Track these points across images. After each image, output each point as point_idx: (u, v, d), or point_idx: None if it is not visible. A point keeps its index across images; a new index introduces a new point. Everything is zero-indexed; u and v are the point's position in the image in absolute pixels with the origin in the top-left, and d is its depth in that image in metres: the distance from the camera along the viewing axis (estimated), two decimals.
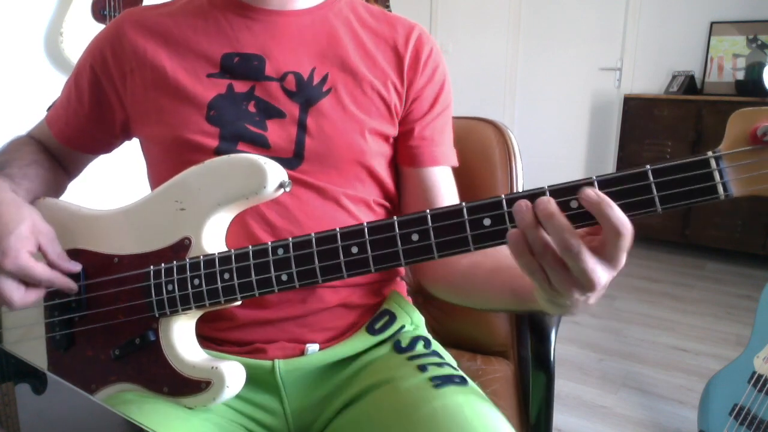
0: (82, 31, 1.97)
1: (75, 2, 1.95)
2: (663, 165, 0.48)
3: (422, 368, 0.69)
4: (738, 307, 2.62)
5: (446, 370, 0.69)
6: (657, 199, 0.49)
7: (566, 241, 0.47)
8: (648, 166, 0.49)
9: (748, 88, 3.08)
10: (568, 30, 3.86)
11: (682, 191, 0.48)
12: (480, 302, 0.73)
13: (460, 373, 0.71)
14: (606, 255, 0.48)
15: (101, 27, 2.11)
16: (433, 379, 0.67)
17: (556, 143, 4.01)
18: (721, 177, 0.48)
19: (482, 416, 0.62)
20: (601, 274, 0.48)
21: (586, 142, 3.93)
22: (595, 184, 0.50)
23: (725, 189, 0.48)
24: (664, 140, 3.22)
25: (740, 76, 3.25)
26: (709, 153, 0.48)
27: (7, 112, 1.85)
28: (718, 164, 0.48)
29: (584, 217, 0.49)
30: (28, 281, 0.65)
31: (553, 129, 4.02)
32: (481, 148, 0.99)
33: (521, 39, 4.04)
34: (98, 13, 2.00)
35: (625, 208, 0.48)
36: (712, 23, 3.35)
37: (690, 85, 3.31)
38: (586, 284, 0.48)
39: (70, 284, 0.68)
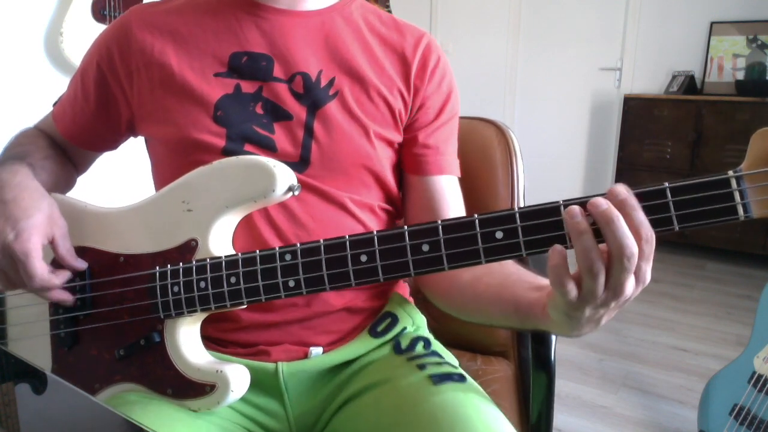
0: (82, 31, 1.97)
1: (75, 2, 1.95)
2: (682, 183, 0.47)
3: (421, 367, 0.69)
4: (738, 307, 2.62)
5: (445, 369, 0.69)
6: (675, 218, 0.48)
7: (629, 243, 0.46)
8: (666, 184, 0.48)
9: (748, 88, 3.08)
10: (568, 30, 3.86)
11: (700, 211, 0.47)
12: (479, 317, 0.72)
13: (460, 371, 0.71)
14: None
15: (101, 27, 2.11)
16: (432, 376, 0.67)
17: (556, 143, 4.01)
18: (742, 198, 0.46)
19: (481, 412, 0.62)
20: (632, 288, 0.48)
21: (586, 142, 3.93)
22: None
23: (745, 210, 0.46)
24: (664, 140, 3.22)
25: (740, 76, 3.25)
26: (730, 172, 0.47)
27: (7, 112, 1.85)
28: (739, 184, 0.46)
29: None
30: (23, 272, 0.63)
31: (553, 129, 4.02)
32: (481, 147, 0.99)
33: (521, 39, 4.04)
34: (98, 13, 2.00)
35: None
36: (712, 23, 3.35)
37: (690, 85, 3.31)
38: (617, 294, 0.48)
39: (64, 295, 0.66)
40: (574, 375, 2.04)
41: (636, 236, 0.47)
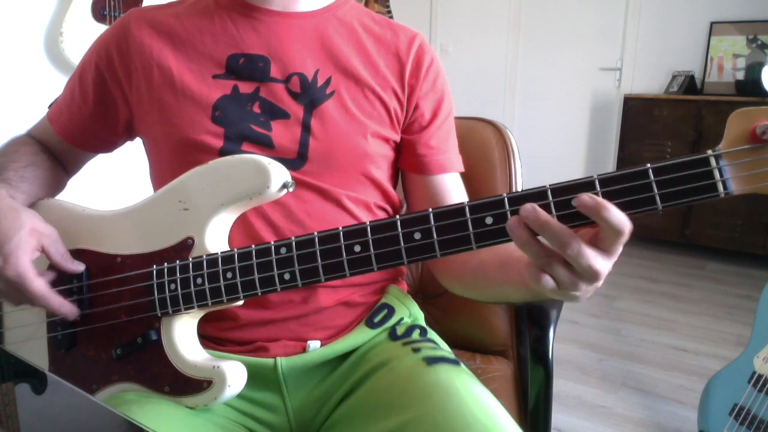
0: (82, 31, 1.97)
1: (75, 2, 1.95)
2: (663, 163, 0.49)
3: (416, 350, 0.71)
4: (738, 307, 2.62)
5: (439, 353, 0.71)
6: (657, 197, 0.49)
7: (565, 244, 0.48)
8: (648, 165, 0.49)
9: (748, 88, 3.08)
10: (568, 30, 3.86)
11: (682, 189, 0.49)
12: (495, 296, 0.73)
13: (453, 356, 0.72)
14: (605, 247, 0.49)
15: (101, 27, 2.11)
16: (426, 358, 0.68)
17: (556, 143, 4.01)
18: (721, 175, 0.48)
19: (473, 389, 0.63)
20: (603, 265, 0.49)
21: (586, 142, 3.93)
22: (596, 182, 0.50)
23: (725, 187, 0.48)
24: (664, 140, 3.22)
25: (740, 76, 3.25)
26: (709, 151, 0.48)
27: (7, 112, 1.85)
28: (717, 162, 0.48)
29: (584, 216, 0.50)
30: (23, 292, 0.64)
31: (553, 129, 4.02)
32: (480, 148, 1.00)
33: (521, 39, 4.04)
34: (98, 13, 2.01)
35: (625, 206, 0.49)
36: (712, 23, 3.35)
37: (690, 85, 3.31)
38: (591, 277, 0.50)
39: (65, 308, 0.66)
40: (574, 375, 2.04)
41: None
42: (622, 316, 2.52)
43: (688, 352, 2.21)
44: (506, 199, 0.53)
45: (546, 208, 0.50)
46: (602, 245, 0.49)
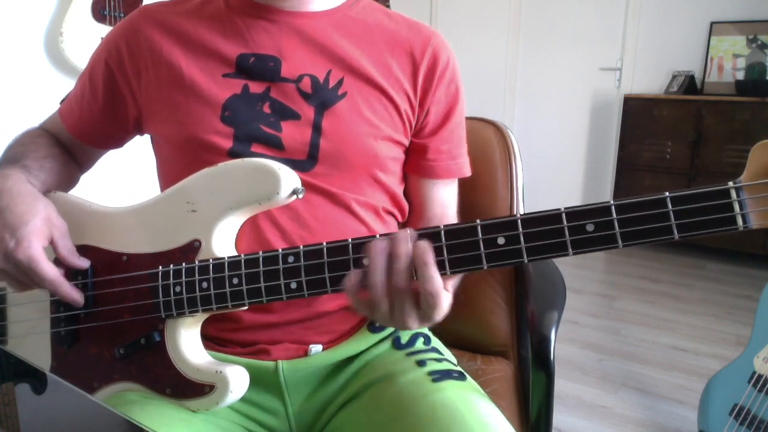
0: (82, 31, 1.97)
1: (75, 2, 1.95)
2: (682, 193, 0.48)
3: (421, 363, 0.70)
4: (738, 307, 2.62)
5: (445, 365, 0.70)
6: (675, 227, 0.48)
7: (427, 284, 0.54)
8: (667, 193, 0.48)
9: (748, 88, 3.08)
10: (568, 30, 3.86)
11: (700, 220, 0.48)
12: None
13: (459, 368, 0.72)
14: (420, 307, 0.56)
15: (101, 27, 2.11)
16: (431, 373, 0.68)
17: (556, 143, 4.01)
18: (741, 208, 0.47)
19: (478, 410, 0.62)
20: (414, 321, 0.57)
21: (586, 142, 3.93)
22: (612, 209, 0.49)
23: (744, 220, 0.47)
24: (664, 140, 3.22)
25: (740, 76, 3.25)
26: (730, 183, 0.48)
27: (8, 112, 1.85)
28: (738, 195, 0.47)
29: (602, 241, 0.50)
30: (32, 276, 0.64)
31: (553, 129, 4.02)
32: (481, 148, 0.99)
33: (521, 39, 4.04)
34: (98, 13, 2.00)
35: (642, 234, 0.49)
36: (712, 23, 3.35)
37: (690, 85, 3.31)
38: (400, 326, 0.57)
39: (74, 295, 0.66)
40: (574, 375, 2.04)
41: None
42: (622, 316, 2.52)
43: (688, 352, 2.21)
44: (519, 220, 0.52)
45: (559, 231, 0.51)
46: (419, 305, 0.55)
